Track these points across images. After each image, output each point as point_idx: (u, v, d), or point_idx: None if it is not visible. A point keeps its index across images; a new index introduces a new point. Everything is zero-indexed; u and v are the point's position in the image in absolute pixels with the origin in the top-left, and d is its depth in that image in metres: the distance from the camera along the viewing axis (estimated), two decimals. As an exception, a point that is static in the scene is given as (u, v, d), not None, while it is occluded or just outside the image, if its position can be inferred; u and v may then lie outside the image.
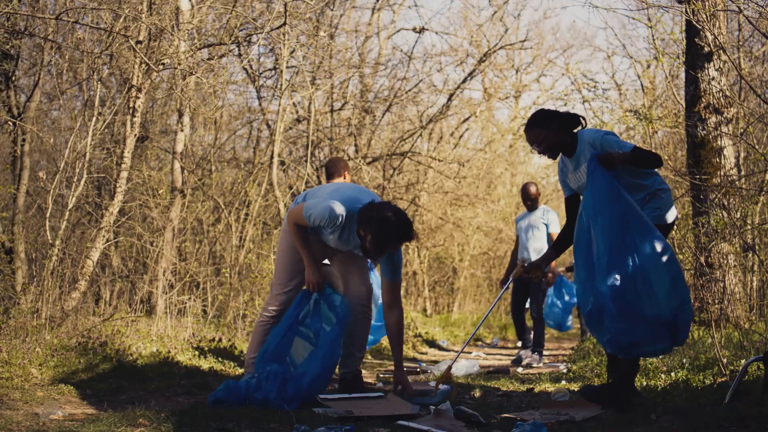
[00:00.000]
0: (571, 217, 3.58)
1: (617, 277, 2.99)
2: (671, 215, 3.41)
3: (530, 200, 6.40)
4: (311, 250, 3.65)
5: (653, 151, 3.31)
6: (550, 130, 3.39)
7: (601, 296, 3.01)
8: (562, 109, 3.58)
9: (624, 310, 2.97)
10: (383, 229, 3.32)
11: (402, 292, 12.47)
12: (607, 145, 3.26)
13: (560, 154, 3.49)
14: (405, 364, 6.14)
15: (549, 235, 6.38)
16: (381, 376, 5.03)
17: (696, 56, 6.32)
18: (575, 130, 3.47)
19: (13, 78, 6.45)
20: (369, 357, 6.73)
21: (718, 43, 6.01)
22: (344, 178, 4.88)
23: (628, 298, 2.98)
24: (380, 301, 5.66)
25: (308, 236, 3.65)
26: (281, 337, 3.52)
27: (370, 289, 3.87)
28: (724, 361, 3.91)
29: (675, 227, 6.76)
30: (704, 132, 6.22)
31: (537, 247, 6.37)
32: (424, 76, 11.22)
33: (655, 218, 3.33)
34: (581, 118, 3.46)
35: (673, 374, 4.11)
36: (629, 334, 2.99)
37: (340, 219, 3.44)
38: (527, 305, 6.77)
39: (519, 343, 7.45)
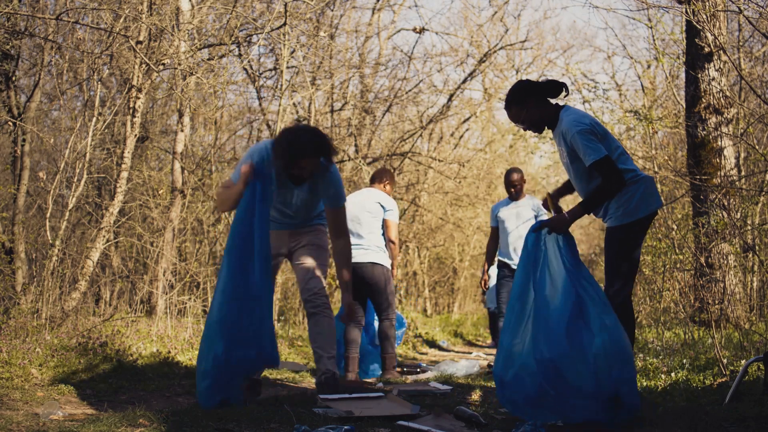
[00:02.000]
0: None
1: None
2: (644, 207, 3.18)
3: (514, 187, 5.69)
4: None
5: (610, 176, 3.05)
6: (529, 107, 3.22)
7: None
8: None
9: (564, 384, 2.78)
10: (288, 140, 3.24)
11: (402, 291, 12.47)
12: (575, 143, 3.09)
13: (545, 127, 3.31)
14: (406, 363, 6.14)
15: None
16: (380, 375, 5.03)
17: (696, 56, 6.33)
18: (558, 101, 3.28)
19: (14, 78, 6.45)
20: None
21: (718, 43, 6.01)
22: (384, 187, 5.17)
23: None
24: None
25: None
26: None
27: (321, 285, 3.71)
28: (725, 361, 3.91)
29: (675, 227, 6.78)
30: (704, 132, 6.22)
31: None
32: (425, 76, 11.25)
33: (618, 218, 3.19)
34: (562, 86, 3.24)
35: (673, 375, 4.11)
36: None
37: (254, 157, 3.36)
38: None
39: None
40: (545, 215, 5.70)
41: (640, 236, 3.26)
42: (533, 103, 3.23)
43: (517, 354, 2.89)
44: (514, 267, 5.63)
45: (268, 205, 3.34)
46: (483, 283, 5.92)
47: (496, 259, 5.89)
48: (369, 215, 4.97)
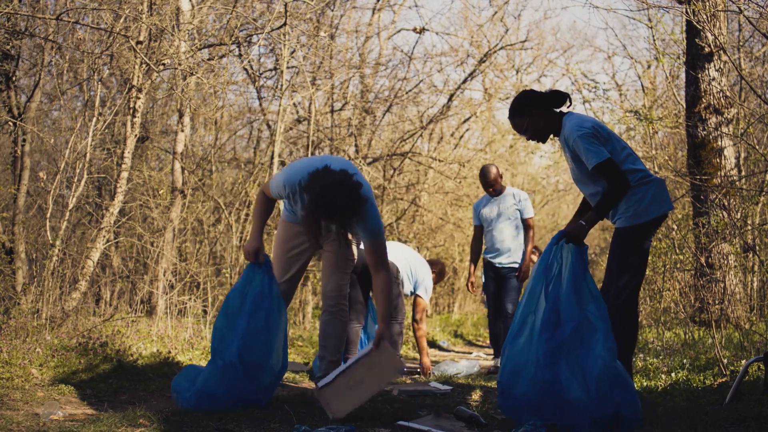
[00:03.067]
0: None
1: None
2: (655, 209, 3.18)
3: (491, 186, 5.50)
4: (262, 223, 3.45)
5: (614, 178, 3.05)
6: (532, 117, 3.24)
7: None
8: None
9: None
10: (320, 200, 3.01)
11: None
12: (576, 147, 3.10)
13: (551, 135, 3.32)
14: (406, 364, 6.13)
15: (525, 222, 5.56)
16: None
17: (696, 57, 6.32)
18: (562, 109, 3.29)
19: (14, 78, 6.46)
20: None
21: (718, 43, 6.01)
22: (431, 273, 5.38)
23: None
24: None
25: (270, 210, 3.48)
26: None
27: (342, 290, 3.66)
28: (725, 361, 3.91)
29: (675, 227, 6.78)
30: (704, 132, 6.22)
31: (512, 236, 5.54)
32: (425, 76, 11.24)
33: (628, 219, 3.18)
34: (566, 97, 3.26)
35: (673, 375, 4.11)
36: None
37: (286, 188, 3.27)
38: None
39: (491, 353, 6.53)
40: (529, 207, 5.58)
41: (648, 237, 3.22)
42: (536, 113, 3.24)
43: (523, 366, 2.88)
44: (498, 265, 5.57)
45: (273, 299, 3.35)
46: (470, 285, 5.85)
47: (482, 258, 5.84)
48: (406, 268, 5.13)
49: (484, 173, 5.54)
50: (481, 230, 5.71)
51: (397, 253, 5.14)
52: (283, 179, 3.29)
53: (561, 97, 3.26)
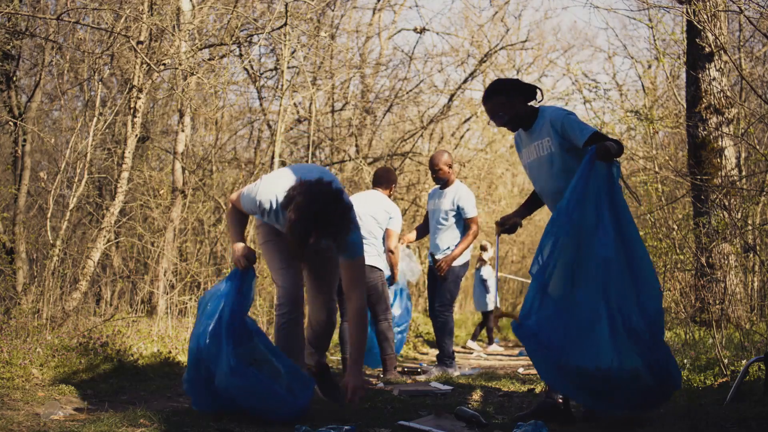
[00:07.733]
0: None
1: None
2: None
3: (438, 178, 5.24)
4: (239, 230, 3.31)
5: (614, 141, 2.95)
6: (517, 100, 3.21)
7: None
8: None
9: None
10: (301, 213, 2.80)
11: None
12: (567, 125, 3.07)
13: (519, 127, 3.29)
14: (406, 364, 6.14)
15: (465, 222, 5.23)
16: (381, 376, 5.03)
17: (697, 57, 6.32)
18: (534, 103, 3.29)
19: (14, 78, 6.46)
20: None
21: (719, 43, 6.01)
22: (390, 193, 5.19)
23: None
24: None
25: (245, 220, 3.36)
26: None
27: (331, 296, 3.52)
28: (725, 361, 3.91)
29: (676, 227, 6.79)
30: (705, 132, 6.22)
31: (445, 239, 5.27)
32: (425, 76, 11.25)
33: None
34: (538, 90, 3.26)
35: (674, 375, 4.11)
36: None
37: (261, 206, 3.13)
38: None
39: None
40: (470, 207, 5.17)
41: None
42: (520, 100, 3.22)
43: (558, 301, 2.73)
44: (437, 257, 5.30)
45: (247, 302, 3.10)
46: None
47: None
48: (374, 221, 4.96)
49: (432, 160, 5.29)
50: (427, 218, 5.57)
51: (365, 216, 4.90)
52: (258, 198, 3.13)
53: (535, 91, 3.26)
